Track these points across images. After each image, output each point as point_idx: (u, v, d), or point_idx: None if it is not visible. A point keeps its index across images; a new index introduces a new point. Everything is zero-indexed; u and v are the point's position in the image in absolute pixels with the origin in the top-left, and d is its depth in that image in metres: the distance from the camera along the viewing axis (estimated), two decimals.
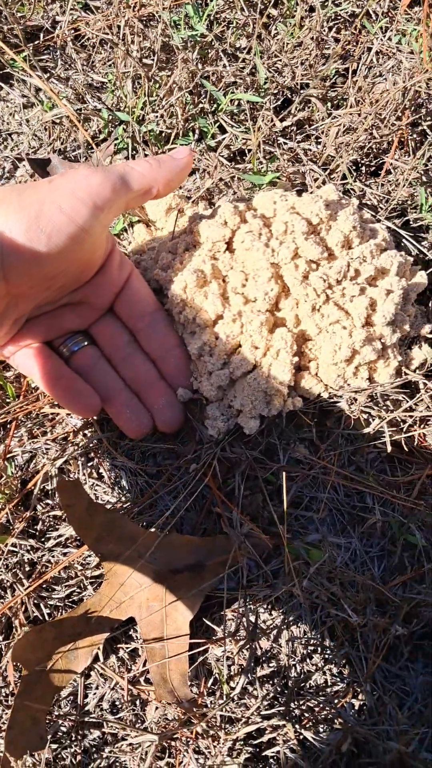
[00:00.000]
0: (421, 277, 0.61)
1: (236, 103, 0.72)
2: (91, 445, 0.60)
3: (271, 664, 0.55)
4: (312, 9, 0.78)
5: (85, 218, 0.49)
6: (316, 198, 0.58)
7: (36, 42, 0.76)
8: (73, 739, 0.53)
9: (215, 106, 0.72)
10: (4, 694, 0.54)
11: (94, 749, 0.53)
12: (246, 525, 0.56)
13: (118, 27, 0.73)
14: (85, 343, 0.59)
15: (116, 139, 0.70)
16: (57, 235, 0.48)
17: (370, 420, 0.59)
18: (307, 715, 0.54)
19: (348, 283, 0.56)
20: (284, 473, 0.53)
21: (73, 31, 0.76)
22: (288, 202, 0.59)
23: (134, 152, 0.70)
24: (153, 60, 0.71)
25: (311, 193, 0.63)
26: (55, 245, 0.48)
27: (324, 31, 0.75)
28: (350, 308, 0.56)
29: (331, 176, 0.69)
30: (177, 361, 0.59)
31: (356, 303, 0.56)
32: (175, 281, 0.58)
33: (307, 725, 0.53)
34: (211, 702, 0.54)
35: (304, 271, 0.56)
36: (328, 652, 0.56)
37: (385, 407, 0.59)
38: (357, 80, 0.71)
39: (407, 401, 0.59)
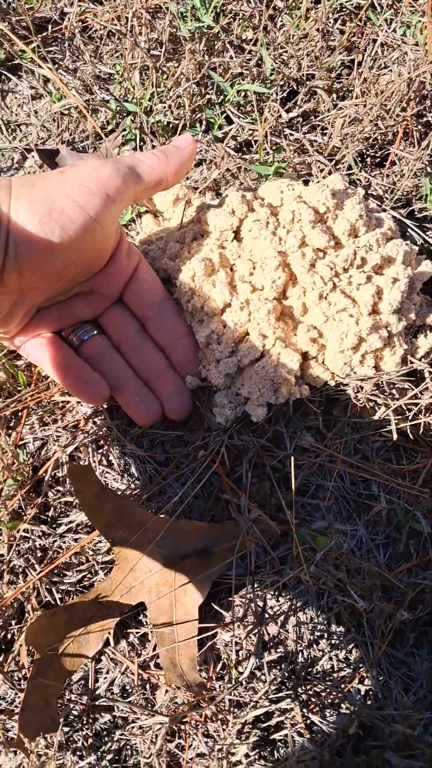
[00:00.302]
0: (426, 266, 0.61)
1: (242, 94, 0.72)
2: (100, 432, 0.60)
3: (278, 650, 0.56)
4: (317, 0, 0.78)
5: (97, 209, 0.49)
6: (323, 187, 0.58)
7: (44, 34, 0.77)
8: (84, 722, 0.54)
9: (222, 97, 0.72)
10: (17, 678, 0.55)
11: (105, 732, 0.54)
12: (254, 511, 0.57)
13: (126, 18, 0.73)
14: (95, 332, 0.59)
15: (124, 130, 0.71)
16: (70, 225, 0.48)
17: (376, 408, 0.60)
18: (314, 699, 0.55)
19: (355, 272, 0.57)
20: (292, 459, 0.54)
21: (80, 23, 0.77)
22: (295, 191, 0.60)
23: (142, 143, 0.71)
24: (161, 51, 0.72)
25: (318, 182, 0.63)
26: (68, 236, 0.48)
27: (330, 22, 0.76)
28: (357, 296, 0.56)
29: (337, 167, 0.69)
30: (185, 350, 0.59)
31: (363, 291, 0.56)
32: (184, 270, 0.59)
33: (314, 710, 0.54)
34: (219, 686, 0.54)
35: (311, 259, 0.57)
36: (335, 637, 0.57)
37: (390, 395, 0.59)
38: (362, 71, 0.72)
39: (413, 389, 0.59)
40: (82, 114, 0.72)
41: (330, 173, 0.68)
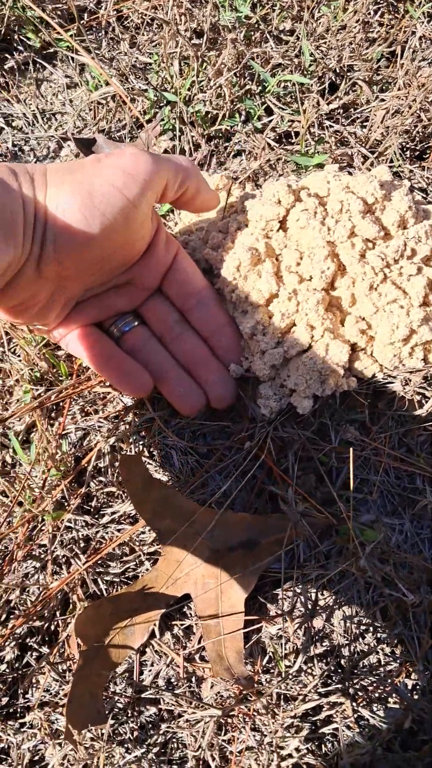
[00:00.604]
0: None
1: (282, 85, 0.72)
2: (142, 423, 0.60)
3: (324, 643, 0.55)
4: None
5: (135, 193, 0.49)
6: (371, 178, 0.58)
7: (81, 22, 0.76)
8: (129, 715, 0.53)
9: (261, 87, 0.72)
10: (61, 670, 0.54)
11: (150, 725, 0.53)
12: (301, 504, 0.56)
13: (165, 7, 0.73)
14: (136, 323, 0.59)
15: (162, 119, 0.70)
16: (110, 210, 0.48)
17: (423, 401, 0.59)
18: (360, 693, 0.54)
19: (405, 263, 0.56)
20: (351, 450, 0.53)
21: (115, 12, 0.76)
22: (342, 181, 0.59)
23: (180, 133, 0.70)
24: (200, 41, 0.71)
25: (363, 173, 0.63)
26: (108, 220, 0.48)
27: (369, 13, 0.75)
28: (408, 287, 0.56)
29: (379, 159, 0.69)
30: (228, 340, 0.59)
31: (414, 282, 0.56)
32: (228, 260, 0.58)
33: (362, 703, 0.53)
34: (266, 680, 0.54)
35: (361, 249, 0.56)
36: (380, 631, 0.56)
37: None
38: (404, 64, 0.71)
39: None
40: (119, 103, 0.71)
41: (372, 165, 0.68)
